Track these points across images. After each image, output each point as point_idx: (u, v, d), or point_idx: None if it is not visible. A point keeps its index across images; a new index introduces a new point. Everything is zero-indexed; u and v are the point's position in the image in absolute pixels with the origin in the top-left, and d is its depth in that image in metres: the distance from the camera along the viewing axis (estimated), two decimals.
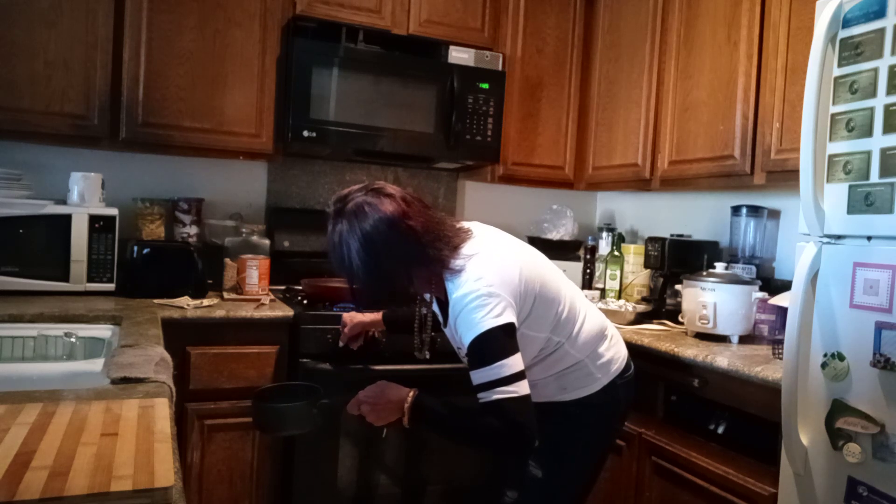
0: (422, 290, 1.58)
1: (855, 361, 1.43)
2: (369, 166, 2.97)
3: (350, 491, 2.25)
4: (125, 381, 1.20)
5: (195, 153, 2.45)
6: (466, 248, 1.46)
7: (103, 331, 1.79)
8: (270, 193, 2.84)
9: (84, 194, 2.27)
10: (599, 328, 1.63)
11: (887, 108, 1.40)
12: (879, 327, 1.38)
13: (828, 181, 1.52)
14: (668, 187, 2.59)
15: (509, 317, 1.37)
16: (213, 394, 2.13)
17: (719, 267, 2.18)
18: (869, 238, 1.44)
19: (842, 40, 1.51)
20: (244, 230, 2.60)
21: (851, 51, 1.48)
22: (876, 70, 1.43)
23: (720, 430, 1.86)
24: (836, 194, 1.50)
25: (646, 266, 2.63)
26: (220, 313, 2.13)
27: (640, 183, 2.66)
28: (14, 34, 2.15)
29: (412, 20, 2.64)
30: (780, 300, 1.99)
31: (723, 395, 1.83)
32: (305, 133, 2.42)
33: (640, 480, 2.06)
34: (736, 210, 2.48)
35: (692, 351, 1.91)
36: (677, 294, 2.36)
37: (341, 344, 2.01)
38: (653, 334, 2.18)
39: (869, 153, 1.43)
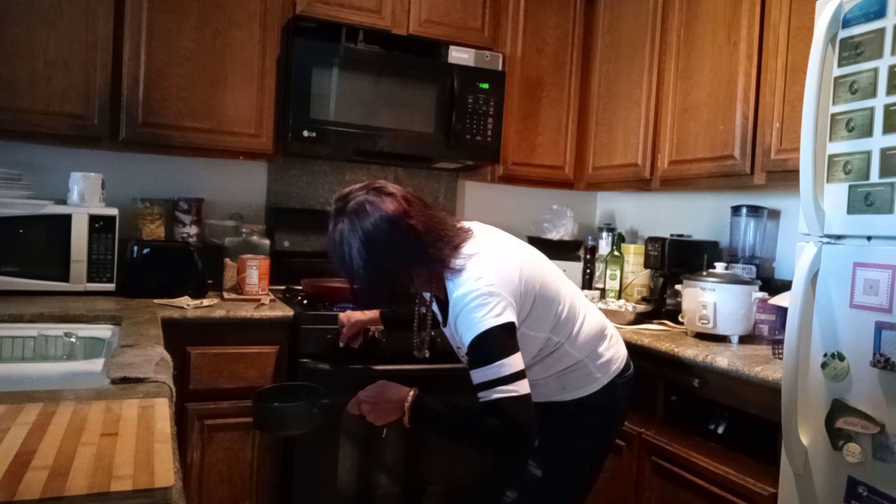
0: (422, 290, 1.59)
1: (855, 361, 1.43)
2: (369, 166, 2.97)
3: (350, 491, 2.25)
4: (125, 381, 1.20)
5: (195, 153, 2.45)
6: (467, 248, 1.46)
7: (103, 331, 1.79)
8: (270, 193, 2.84)
9: (84, 194, 2.27)
10: (599, 328, 1.64)
11: (887, 108, 1.40)
12: (879, 327, 1.38)
13: (828, 181, 1.52)
14: (668, 187, 2.59)
15: (509, 316, 1.37)
16: (213, 394, 2.13)
17: (719, 267, 2.18)
18: (869, 238, 1.44)
19: (842, 40, 1.51)
20: (244, 230, 2.60)
21: (851, 51, 1.48)
22: (876, 70, 1.43)
23: (720, 430, 1.86)
24: (836, 194, 1.50)
25: (646, 266, 2.63)
26: (220, 313, 2.13)
27: (640, 183, 2.66)
28: (14, 34, 2.15)
29: (412, 20, 2.64)
30: (780, 300, 1.99)
31: (723, 395, 1.83)
32: (305, 133, 2.42)
33: (640, 480, 2.06)
34: (736, 210, 2.48)
35: (692, 351, 1.91)
36: (677, 294, 2.36)
37: (342, 344, 2.01)
38: (653, 334, 2.18)
39: (869, 153, 1.43)
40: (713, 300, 2.07)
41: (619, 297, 2.69)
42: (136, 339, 1.56)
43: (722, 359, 1.81)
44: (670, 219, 2.93)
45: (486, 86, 2.67)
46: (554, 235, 3.08)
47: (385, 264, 1.40)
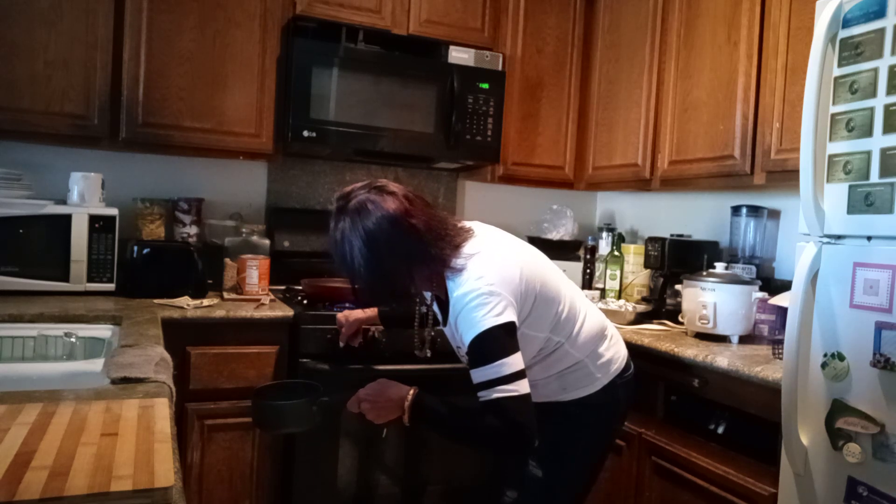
0: (423, 289, 1.59)
1: (855, 361, 1.43)
2: (369, 166, 2.97)
3: (350, 491, 2.25)
4: (125, 381, 1.20)
5: (195, 153, 2.45)
6: (468, 248, 1.46)
7: (103, 331, 1.79)
8: (270, 193, 2.84)
9: (84, 194, 2.27)
10: (599, 328, 1.64)
11: (887, 108, 1.40)
12: (879, 327, 1.38)
13: (828, 181, 1.52)
14: (668, 187, 2.59)
15: (510, 316, 1.38)
16: (213, 394, 2.13)
17: (719, 267, 2.18)
18: (869, 238, 1.44)
19: (842, 40, 1.51)
20: (244, 230, 2.60)
21: (851, 51, 1.48)
22: (876, 70, 1.43)
23: (720, 430, 1.86)
24: (836, 194, 1.50)
25: (646, 266, 2.63)
26: (220, 313, 2.13)
27: (640, 183, 2.66)
28: (14, 34, 2.15)
29: (412, 20, 2.64)
30: (780, 300, 1.99)
31: (723, 395, 1.83)
32: (305, 133, 2.42)
33: (640, 480, 2.06)
34: (736, 210, 2.48)
35: (692, 351, 1.91)
36: (677, 294, 2.36)
37: (342, 344, 2.01)
38: (653, 334, 2.18)
39: (869, 153, 1.43)
40: (713, 300, 2.07)
41: (619, 297, 2.69)
42: (136, 339, 1.56)
43: (722, 359, 1.81)
44: (670, 219, 2.93)
45: (486, 86, 2.67)
46: (554, 235, 3.08)
47: (386, 263, 1.40)
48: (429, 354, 1.79)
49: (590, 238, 3.08)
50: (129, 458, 0.84)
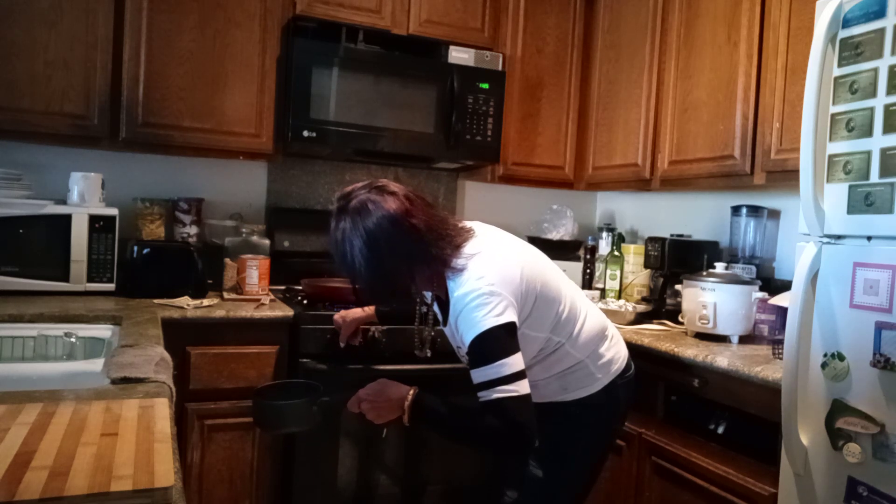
0: (423, 289, 1.59)
1: (855, 361, 1.43)
2: (369, 166, 2.97)
3: (350, 491, 2.25)
4: (125, 381, 1.20)
5: (195, 153, 2.45)
6: (468, 248, 1.46)
7: (103, 331, 1.79)
8: (270, 193, 2.84)
9: (84, 194, 2.27)
10: (600, 328, 1.63)
11: (887, 108, 1.40)
12: (879, 327, 1.38)
13: (828, 181, 1.52)
14: (668, 187, 2.59)
15: (510, 316, 1.38)
16: (213, 394, 2.13)
17: (719, 267, 2.18)
18: (869, 238, 1.44)
19: (842, 40, 1.51)
20: (244, 230, 2.60)
21: (851, 51, 1.48)
22: (876, 70, 1.43)
23: (720, 430, 1.86)
24: (836, 194, 1.50)
25: (646, 266, 2.63)
26: (220, 313, 2.13)
27: (640, 183, 2.66)
28: (14, 34, 2.15)
29: (412, 20, 2.64)
30: (780, 300, 1.99)
31: (723, 395, 1.83)
32: (305, 133, 2.42)
33: (640, 480, 2.06)
34: (736, 210, 2.48)
35: (692, 351, 1.91)
36: (677, 294, 2.36)
37: (342, 344, 2.01)
38: (653, 334, 2.18)
39: (869, 153, 1.43)
40: (713, 300, 2.07)
41: (619, 297, 2.69)
42: (136, 339, 1.56)
43: (722, 359, 1.81)
44: (670, 219, 2.93)
45: (486, 86, 2.67)
46: (554, 235, 3.08)
47: (387, 263, 1.40)
48: (429, 354, 1.79)
49: (590, 238, 3.08)
50: (129, 458, 0.84)
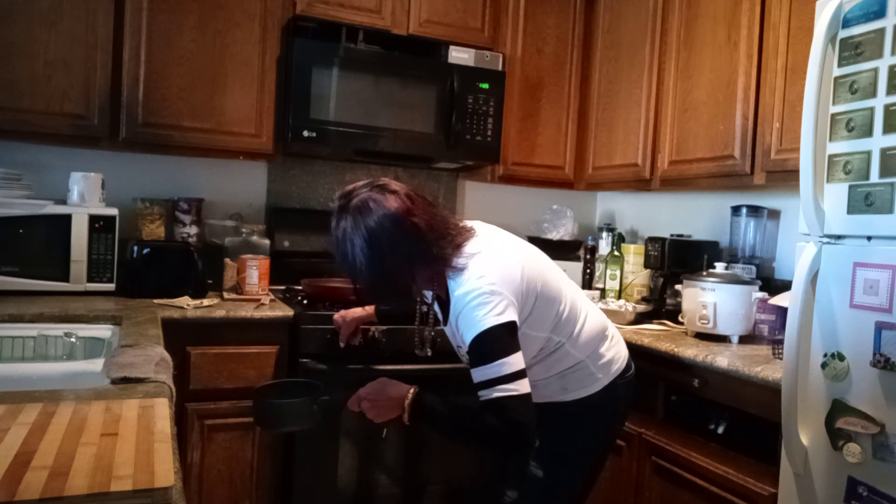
0: (424, 288, 1.59)
1: (855, 361, 1.43)
2: (369, 166, 2.97)
3: (350, 491, 2.25)
4: (125, 381, 1.20)
5: (195, 153, 2.45)
6: (469, 247, 1.46)
7: (103, 331, 1.79)
8: (270, 193, 2.84)
9: (84, 194, 2.27)
10: (600, 328, 1.63)
11: (887, 108, 1.40)
12: (879, 327, 1.38)
13: (828, 181, 1.52)
14: (668, 187, 2.59)
15: (511, 315, 1.38)
16: (213, 394, 2.13)
17: (719, 267, 2.18)
18: (869, 238, 1.44)
19: (842, 40, 1.51)
20: (244, 230, 2.60)
21: (851, 51, 1.48)
22: (876, 70, 1.43)
23: (720, 430, 1.86)
24: (836, 194, 1.50)
25: (646, 266, 2.63)
26: (220, 313, 2.13)
27: (640, 183, 2.66)
28: (14, 34, 2.15)
29: (412, 20, 2.64)
30: (780, 300, 1.99)
31: (723, 395, 1.83)
32: (305, 133, 2.42)
33: (640, 480, 2.06)
34: (736, 210, 2.48)
35: (692, 351, 1.91)
36: (677, 294, 2.36)
37: (342, 345, 2.01)
38: (653, 334, 2.18)
39: (869, 153, 1.43)
40: (713, 300, 2.07)
41: (619, 297, 2.69)
42: (136, 339, 1.56)
43: (722, 359, 1.81)
44: (670, 219, 2.93)
45: (486, 86, 2.67)
46: (554, 235, 3.08)
47: (387, 262, 1.40)
48: (429, 353, 1.79)
49: (590, 238, 3.08)
50: (129, 458, 0.84)
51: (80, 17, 2.22)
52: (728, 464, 1.79)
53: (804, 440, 1.53)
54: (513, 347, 1.36)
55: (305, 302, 2.35)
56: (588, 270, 3.02)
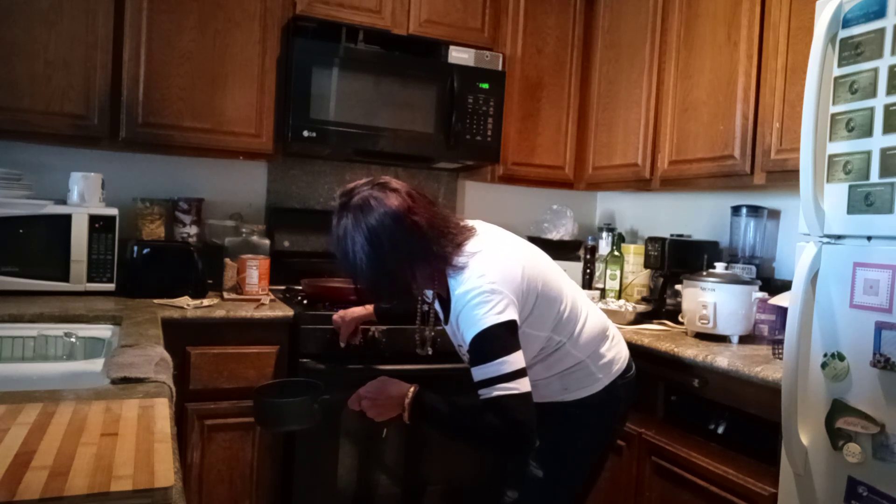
0: (424, 287, 1.58)
1: (855, 361, 1.43)
2: (369, 166, 2.97)
3: (350, 491, 2.25)
4: (125, 381, 1.20)
5: (195, 153, 2.45)
6: (470, 246, 1.46)
7: (103, 331, 1.79)
8: (270, 193, 2.84)
9: (84, 194, 2.27)
10: (601, 328, 1.63)
11: (887, 108, 1.40)
12: (879, 327, 1.38)
13: (828, 181, 1.52)
14: (668, 187, 2.59)
15: (511, 314, 1.38)
16: (213, 394, 2.13)
17: (719, 267, 2.18)
18: (869, 238, 1.44)
19: (842, 40, 1.51)
20: (244, 230, 2.60)
21: (851, 51, 1.48)
22: (876, 70, 1.43)
23: (720, 430, 1.86)
24: (836, 194, 1.50)
25: (646, 266, 2.63)
26: (220, 313, 2.13)
27: (640, 183, 2.66)
28: (14, 34, 2.15)
29: (412, 20, 2.64)
30: (780, 300, 1.99)
31: (723, 395, 1.83)
32: (305, 133, 2.42)
33: (640, 480, 2.06)
34: (736, 210, 2.48)
35: (692, 351, 1.91)
36: (677, 294, 2.36)
37: (343, 344, 2.01)
38: (653, 334, 2.18)
39: (869, 153, 1.43)
40: (713, 300, 2.07)
41: (619, 297, 2.69)
42: (136, 339, 1.56)
43: (722, 359, 1.81)
44: (670, 219, 2.93)
45: (486, 86, 2.67)
46: (554, 235, 3.08)
47: (388, 260, 1.40)
48: (430, 352, 1.79)
49: (590, 238, 3.08)
50: (129, 458, 0.84)
51: (80, 17, 2.22)
52: (728, 464, 1.79)
53: (804, 440, 1.53)
54: (513, 346, 1.36)
55: (305, 302, 2.35)
56: (588, 270, 3.02)
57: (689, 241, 2.55)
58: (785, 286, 1.94)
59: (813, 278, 1.53)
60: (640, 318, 2.42)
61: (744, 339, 2.09)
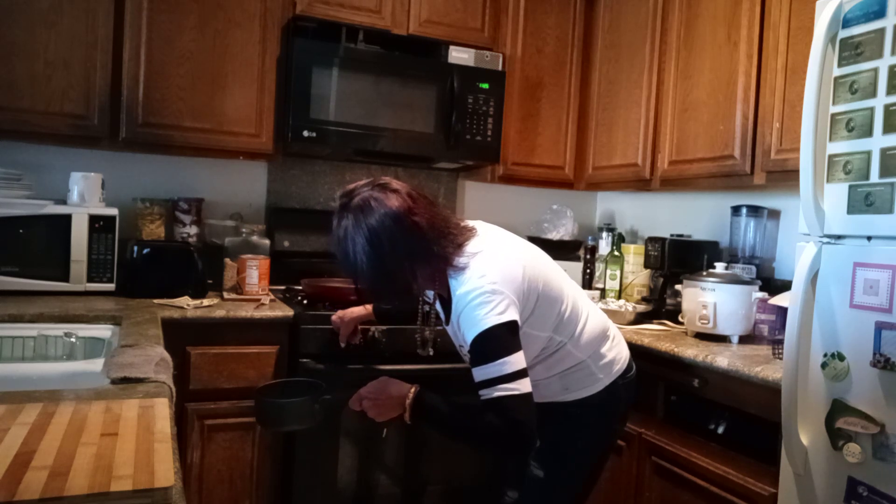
0: (425, 287, 1.58)
1: (855, 361, 1.43)
2: (369, 166, 2.97)
3: (350, 491, 2.25)
4: (125, 381, 1.20)
5: (195, 153, 2.45)
6: (470, 246, 1.46)
7: (103, 331, 1.79)
8: (270, 193, 2.84)
9: (84, 194, 2.27)
10: (602, 328, 1.63)
11: (887, 108, 1.40)
12: (879, 327, 1.38)
13: (828, 181, 1.52)
14: (668, 187, 2.59)
15: (512, 314, 1.38)
16: (213, 394, 2.13)
17: (719, 267, 2.18)
18: (869, 238, 1.44)
19: (842, 40, 1.51)
20: (244, 230, 2.60)
21: (851, 51, 1.48)
22: (876, 70, 1.43)
23: (720, 430, 1.86)
24: (836, 194, 1.50)
25: (646, 266, 2.63)
26: (220, 313, 2.13)
27: (640, 183, 2.66)
28: (14, 34, 2.15)
29: (412, 20, 2.64)
30: (780, 300, 1.99)
31: (723, 395, 1.83)
32: (305, 133, 2.42)
33: (640, 480, 2.06)
34: (736, 210, 2.48)
35: (692, 351, 1.91)
36: (677, 294, 2.36)
37: (343, 345, 2.01)
38: (653, 334, 2.18)
39: (869, 153, 1.43)
40: (713, 300, 2.07)
41: (619, 297, 2.69)
42: (136, 339, 1.56)
43: (722, 359, 1.81)
44: (670, 219, 2.93)
45: (486, 86, 2.67)
46: (554, 235, 3.08)
47: (389, 261, 1.40)
48: (431, 353, 1.79)
49: (590, 238, 3.08)
50: (129, 458, 0.84)
51: (80, 18, 2.22)
52: (728, 464, 1.79)
53: (804, 440, 1.53)
54: (514, 346, 1.36)
55: (305, 302, 2.35)
56: (588, 270, 3.02)
57: (689, 241, 2.55)
58: (785, 286, 1.94)
59: (813, 278, 1.53)
60: (640, 318, 2.42)
61: (744, 339, 2.09)
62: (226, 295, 2.39)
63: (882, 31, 1.42)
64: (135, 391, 1.15)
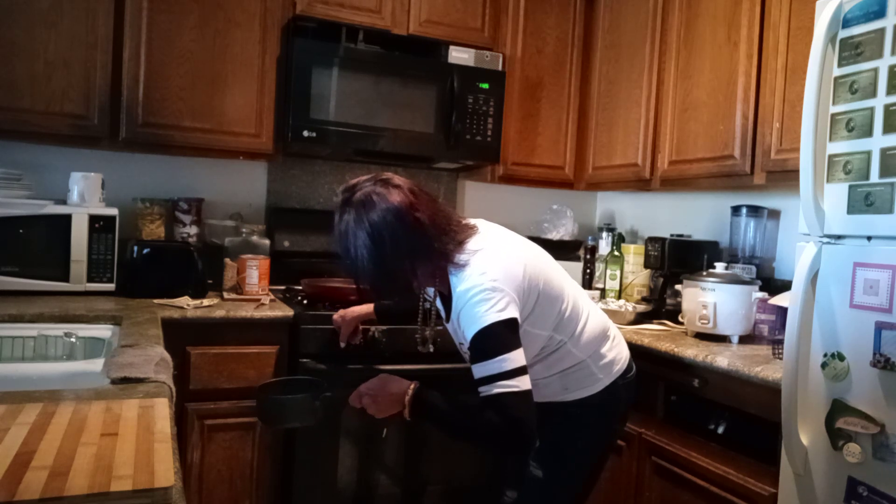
0: (426, 284, 1.58)
1: (855, 361, 1.43)
2: (369, 166, 2.96)
3: (350, 491, 2.25)
4: (125, 381, 1.20)
5: (195, 153, 2.45)
6: (471, 244, 1.46)
7: (103, 331, 1.79)
8: (270, 193, 2.84)
9: (84, 194, 2.27)
10: (602, 328, 1.63)
11: (887, 108, 1.40)
12: (879, 327, 1.38)
13: (828, 181, 1.52)
14: (668, 187, 2.59)
15: (512, 312, 1.38)
16: (213, 394, 2.13)
17: (719, 267, 2.18)
18: (869, 238, 1.44)
19: (842, 40, 1.51)
20: (244, 230, 2.60)
21: (851, 51, 1.48)
22: (876, 70, 1.43)
23: (720, 430, 1.86)
24: (836, 194, 1.50)
25: (646, 266, 2.63)
26: (220, 313, 2.13)
27: (640, 183, 2.66)
28: (14, 34, 2.15)
29: (412, 20, 2.64)
30: (780, 300, 1.99)
31: (723, 395, 1.83)
32: (305, 133, 2.42)
33: (640, 480, 2.06)
34: (736, 210, 2.48)
35: (692, 351, 1.91)
36: (677, 294, 2.36)
37: (343, 344, 2.01)
38: (653, 334, 2.18)
39: (869, 153, 1.43)
40: (713, 300, 2.07)
41: (619, 297, 2.69)
42: (136, 339, 1.56)
43: (722, 359, 1.81)
44: (670, 219, 2.93)
45: (486, 86, 2.67)
46: (554, 235, 3.08)
47: (390, 257, 1.40)
48: (431, 350, 1.79)
49: (590, 238, 3.08)
50: (129, 458, 0.84)
51: (80, 18, 2.22)
52: (728, 464, 1.79)
53: (804, 440, 1.53)
54: (514, 344, 1.36)
55: (305, 302, 2.35)
56: (588, 270, 3.02)
57: (689, 241, 2.55)
58: (785, 286, 1.94)
59: (813, 278, 1.53)
60: (640, 318, 2.42)
61: (744, 339, 2.09)
62: (226, 295, 2.39)
63: (882, 31, 1.42)
64: (135, 391, 1.15)
